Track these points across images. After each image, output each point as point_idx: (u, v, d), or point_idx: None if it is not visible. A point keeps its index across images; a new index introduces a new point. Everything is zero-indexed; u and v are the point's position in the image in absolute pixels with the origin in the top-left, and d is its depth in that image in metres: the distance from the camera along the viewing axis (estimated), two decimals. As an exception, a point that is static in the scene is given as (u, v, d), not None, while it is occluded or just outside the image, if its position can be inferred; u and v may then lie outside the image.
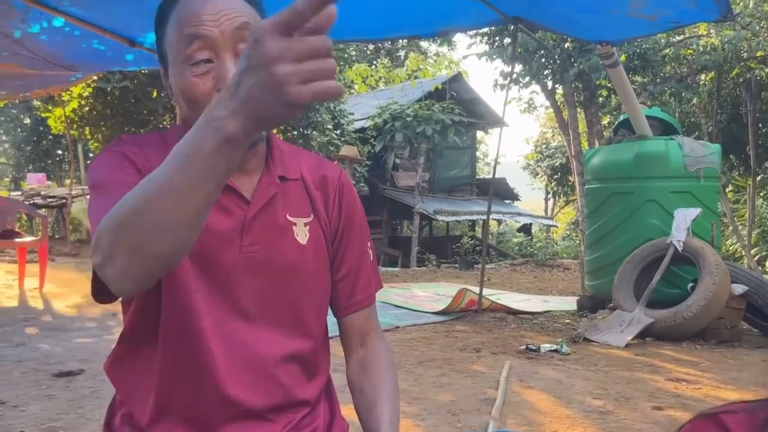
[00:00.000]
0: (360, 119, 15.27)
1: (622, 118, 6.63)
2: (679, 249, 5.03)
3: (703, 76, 12.60)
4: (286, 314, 1.10)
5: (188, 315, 1.03)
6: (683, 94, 12.05)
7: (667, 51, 11.72)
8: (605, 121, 13.61)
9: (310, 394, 1.14)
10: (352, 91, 19.46)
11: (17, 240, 6.57)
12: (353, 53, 15.21)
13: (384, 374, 1.19)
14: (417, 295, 7.46)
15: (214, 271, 1.04)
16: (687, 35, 11.89)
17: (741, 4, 10.73)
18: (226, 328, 1.05)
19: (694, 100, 12.84)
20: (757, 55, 10.95)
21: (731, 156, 13.13)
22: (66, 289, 6.53)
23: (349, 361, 1.22)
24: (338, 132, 13.25)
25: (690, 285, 5.00)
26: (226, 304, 1.05)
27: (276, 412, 1.10)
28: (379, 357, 1.20)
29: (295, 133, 11.51)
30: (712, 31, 11.44)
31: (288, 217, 1.10)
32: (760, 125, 12.72)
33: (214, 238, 1.03)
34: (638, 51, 10.95)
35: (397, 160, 16.53)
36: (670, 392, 3.43)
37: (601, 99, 12.14)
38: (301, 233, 1.11)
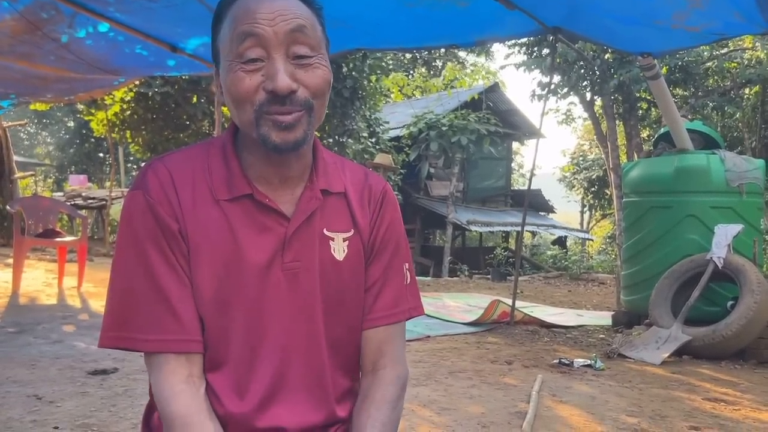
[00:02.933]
0: (395, 128, 15.31)
1: (662, 131, 6.51)
2: (719, 266, 4.90)
3: (747, 90, 12.33)
4: (323, 331, 1.09)
5: (232, 332, 1.04)
6: (726, 108, 11.81)
7: (710, 64, 11.51)
8: (645, 134, 13.40)
9: (345, 412, 1.14)
10: (388, 100, 19.52)
11: (58, 239, 6.73)
12: (390, 62, 15.26)
13: (374, 416, 1.10)
14: (448, 305, 7.42)
15: (257, 289, 1.04)
16: (731, 48, 11.66)
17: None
18: (268, 344, 1.05)
19: (737, 115, 12.57)
20: (804, 68, 10.67)
21: (775, 172, 12.79)
22: (103, 289, 6.66)
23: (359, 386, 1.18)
24: (373, 140, 13.31)
25: (729, 303, 4.87)
26: (268, 321, 1.05)
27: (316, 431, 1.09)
28: (381, 389, 1.13)
29: (331, 140, 11.59)
30: (757, 44, 11.20)
31: (325, 231, 1.10)
32: (805, 141, 12.39)
33: (256, 256, 1.04)
34: (680, 63, 10.77)
35: (432, 170, 16.51)
36: (708, 412, 3.34)
37: (641, 111, 11.96)
38: (339, 249, 1.10)
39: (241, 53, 0.98)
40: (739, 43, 11.53)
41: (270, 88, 0.97)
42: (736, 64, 11.68)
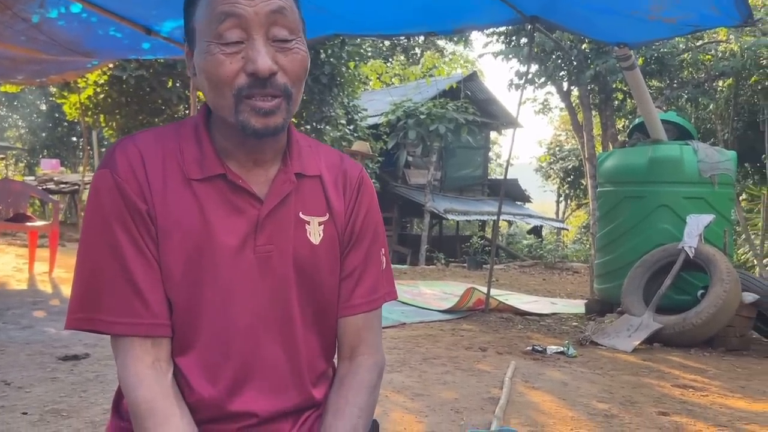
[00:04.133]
0: (373, 115, 15.26)
1: (637, 121, 6.58)
2: (691, 255, 4.98)
3: (720, 83, 12.48)
4: (297, 315, 1.08)
5: (202, 315, 1.02)
6: (700, 99, 11.96)
7: (685, 56, 11.62)
8: (620, 124, 13.51)
9: (321, 394, 1.13)
10: (366, 87, 19.45)
11: (29, 224, 6.61)
12: (369, 49, 15.18)
13: (351, 400, 1.09)
14: (424, 293, 7.45)
15: (229, 272, 1.03)
16: (706, 40, 11.78)
17: (762, 10, 10.61)
18: (239, 328, 1.04)
19: (711, 106, 12.73)
20: (777, 62, 10.83)
21: (746, 164, 13.01)
22: (75, 275, 6.56)
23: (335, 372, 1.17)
24: (351, 127, 13.25)
25: (700, 292, 4.95)
26: (240, 305, 1.04)
27: (290, 416, 1.09)
28: (357, 378, 1.12)
29: (308, 127, 11.52)
30: (731, 36, 11.32)
31: (301, 215, 1.08)
32: (776, 134, 12.59)
33: (228, 238, 1.02)
34: (656, 55, 10.86)
35: (409, 158, 16.51)
36: (677, 398, 3.40)
37: (616, 102, 12.05)
38: (315, 232, 1.09)
39: (221, 34, 0.96)
40: (714, 35, 11.65)
41: (251, 70, 0.95)
42: (710, 57, 11.81)
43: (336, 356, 1.18)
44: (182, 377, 1.03)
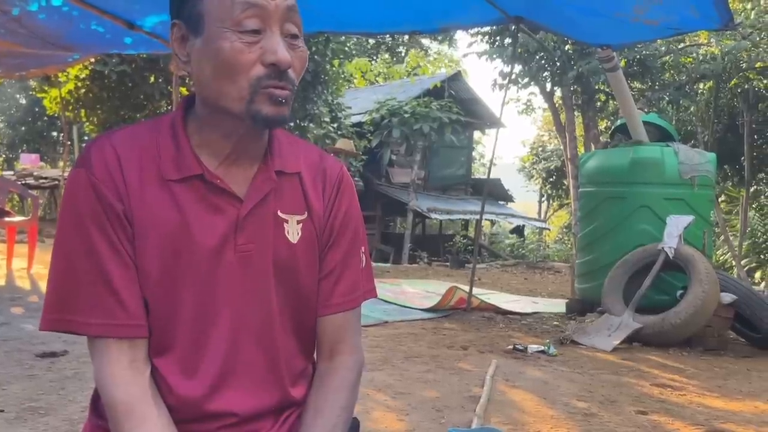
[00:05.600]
0: (357, 113, 15.24)
1: (619, 122, 6.63)
2: (670, 256, 5.03)
3: (701, 85, 12.62)
4: (276, 314, 1.07)
5: (180, 315, 1.01)
6: (681, 101, 12.08)
7: (666, 58, 11.74)
8: (602, 125, 13.63)
9: (300, 394, 1.12)
10: (350, 85, 19.43)
11: (7, 219, 6.53)
12: (353, 47, 15.17)
13: (332, 400, 1.10)
14: (407, 292, 7.46)
15: (208, 272, 1.02)
16: (687, 43, 11.91)
17: (743, 14, 10.75)
18: (218, 328, 1.03)
19: (692, 109, 12.87)
20: (756, 66, 10.97)
21: (726, 166, 13.17)
22: (54, 271, 6.49)
23: (315, 372, 1.17)
24: (335, 125, 13.23)
25: (679, 292, 5.00)
26: (219, 304, 1.03)
27: (270, 415, 1.08)
28: (337, 377, 1.12)
29: (292, 124, 11.48)
30: (712, 40, 11.46)
31: (279, 213, 1.07)
32: (755, 136, 12.77)
33: (207, 238, 1.01)
34: (638, 57, 10.96)
35: (393, 157, 16.51)
36: (655, 397, 3.44)
37: (599, 103, 12.15)
38: (293, 231, 1.08)
39: (240, 21, 0.94)
40: (695, 38, 11.78)
41: (272, 60, 0.94)
42: (691, 59, 11.94)
43: (315, 354, 1.18)
44: (160, 377, 1.02)
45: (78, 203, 0.98)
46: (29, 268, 6.46)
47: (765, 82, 11.53)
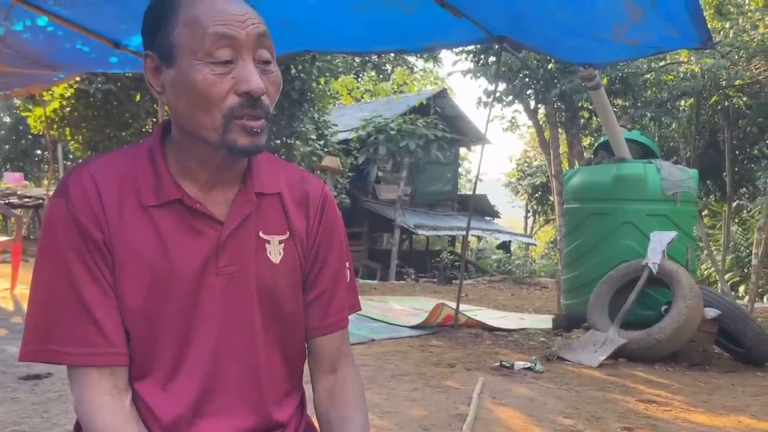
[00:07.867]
0: (344, 131, 15.30)
1: (602, 139, 6.70)
2: (654, 271, 5.07)
3: (682, 102, 12.81)
4: (261, 335, 1.08)
5: (161, 340, 1.02)
6: (663, 118, 12.26)
7: (648, 76, 11.92)
8: (586, 142, 13.77)
9: (285, 416, 1.13)
10: (337, 102, 19.50)
11: (-10, 239, 6.47)
12: (339, 65, 15.25)
13: (354, 406, 1.15)
14: (394, 309, 7.45)
15: (190, 297, 1.02)
16: (668, 61, 12.10)
17: (721, 33, 10.95)
18: (201, 352, 1.04)
19: (673, 126, 13.04)
20: (735, 83, 11.16)
21: (708, 181, 13.34)
22: (38, 291, 6.42)
23: (316, 388, 1.18)
24: (321, 143, 13.25)
25: (664, 307, 5.04)
26: (202, 328, 1.03)
27: None
28: (349, 387, 1.17)
29: (278, 142, 11.49)
30: (692, 58, 11.65)
31: (261, 234, 1.08)
32: (736, 152, 12.95)
33: (188, 263, 1.02)
34: (620, 75, 11.12)
35: (380, 173, 16.58)
36: (641, 413, 3.45)
37: (582, 120, 12.29)
38: (275, 251, 1.08)
39: (212, 53, 0.95)
40: (676, 56, 11.97)
41: (245, 89, 0.95)
42: (672, 77, 12.13)
43: (314, 372, 1.19)
44: (142, 402, 1.02)
45: (57, 234, 0.99)
46: (12, 288, 6.40)
47: (744, 99, 11.71)
